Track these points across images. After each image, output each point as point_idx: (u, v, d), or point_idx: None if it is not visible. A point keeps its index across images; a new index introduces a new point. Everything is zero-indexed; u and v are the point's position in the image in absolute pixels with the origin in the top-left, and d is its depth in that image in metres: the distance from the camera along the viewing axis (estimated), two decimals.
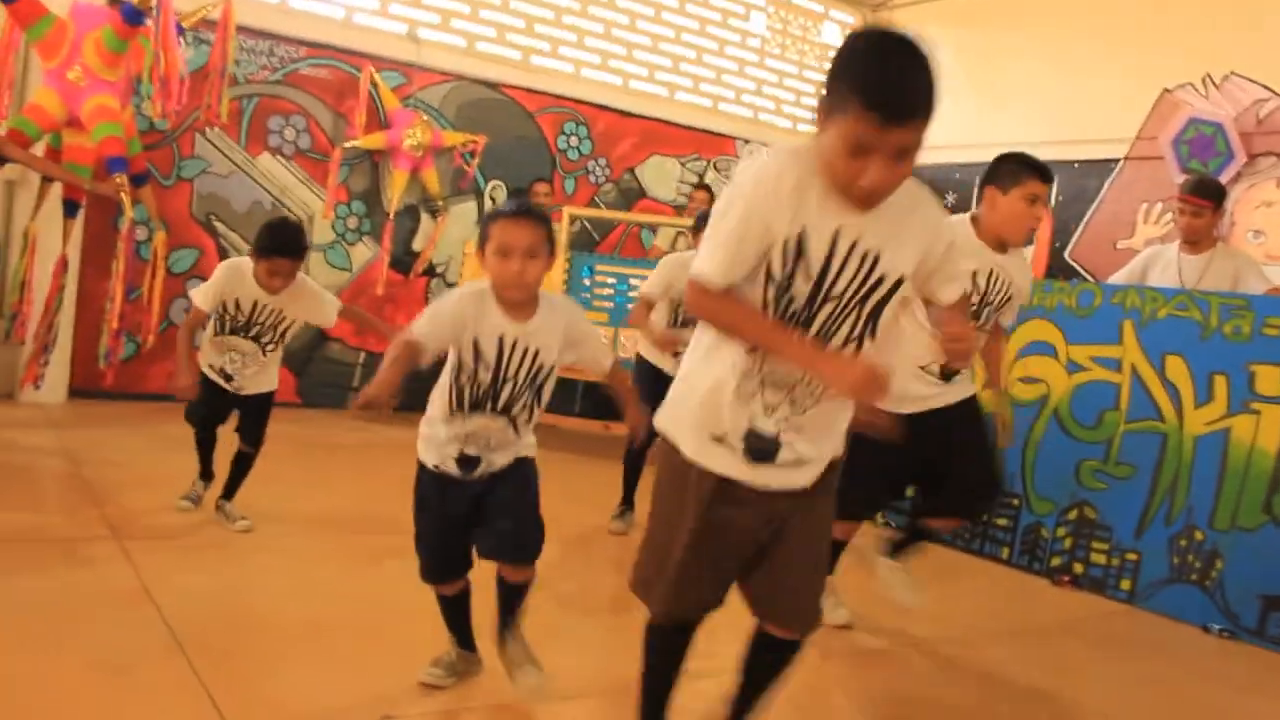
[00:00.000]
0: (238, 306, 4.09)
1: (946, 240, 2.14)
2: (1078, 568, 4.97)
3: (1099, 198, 7.96)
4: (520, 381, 2.66)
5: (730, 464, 2.11)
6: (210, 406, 4.29)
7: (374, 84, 7.41)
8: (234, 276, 4.06)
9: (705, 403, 2.10)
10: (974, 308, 3.53)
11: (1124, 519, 4.84)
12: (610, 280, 7.06)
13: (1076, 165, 8.13)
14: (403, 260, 7.76)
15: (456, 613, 2.91)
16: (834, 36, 10.04)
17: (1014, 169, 3.60)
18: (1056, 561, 5.04)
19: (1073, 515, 5.03)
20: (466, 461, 2.69)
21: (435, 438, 2.72)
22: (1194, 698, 3.68)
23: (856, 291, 2.00)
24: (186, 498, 4.43)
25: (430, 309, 2.64)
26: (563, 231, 7.34)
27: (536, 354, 2.66)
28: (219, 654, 2.97)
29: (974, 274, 3.50)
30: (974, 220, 3.65)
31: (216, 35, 6.34)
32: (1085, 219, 8.05)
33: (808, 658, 2.45)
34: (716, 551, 2.17)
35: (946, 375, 3.62)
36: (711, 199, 8.29)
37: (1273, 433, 4.43)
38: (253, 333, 4.16)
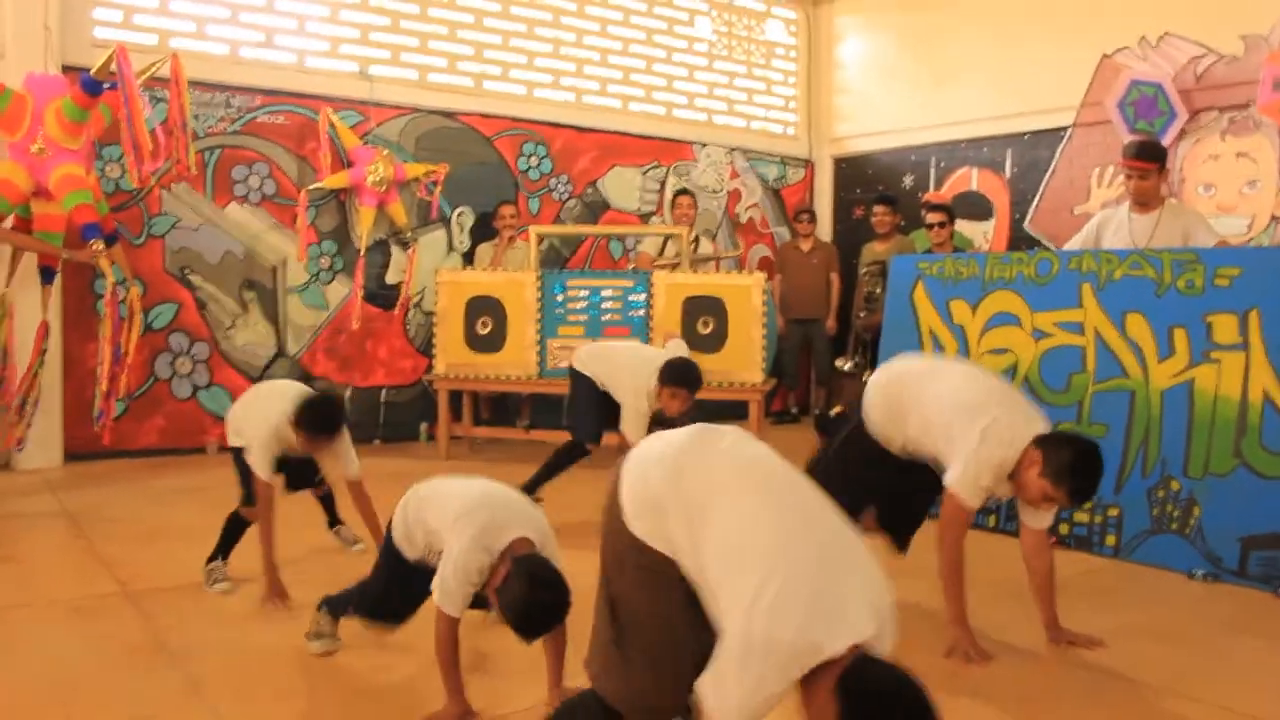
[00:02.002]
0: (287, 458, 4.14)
1: None
2: (1063, 528, 5.10)
3: (1052, 166, 8.13)
4: None
5: None
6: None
7: (332, 125, 7.51)
8: (277, 437, 4.04)
9: None
10: None
11: (1102, 477, 4.97)
12: (583, 294, 7.19)
13: (1027, 137, 8.32)
14: (377, 295, 7.87)
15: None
16: (778, 33, 10.21)
17: None
18: None
19: None
20: None
21: None
22: (1186, 640, 3.81)
23: None
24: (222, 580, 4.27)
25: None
26: (531, 251, 7.46)
27: None
28: (240, 697, 3.08)
29: None
30: None
31: (170, 91, 6.43)
32: (1041, 188, 8.22)
33: None
34: None
35: None
36: (694, 204, 8.46)
37: (1234, 379, 4.58)
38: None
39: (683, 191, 8.63)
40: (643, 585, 2.21)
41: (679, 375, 5.26)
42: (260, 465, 3.97)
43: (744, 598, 1.93)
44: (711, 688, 1.94)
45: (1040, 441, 3.43)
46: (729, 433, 2.29)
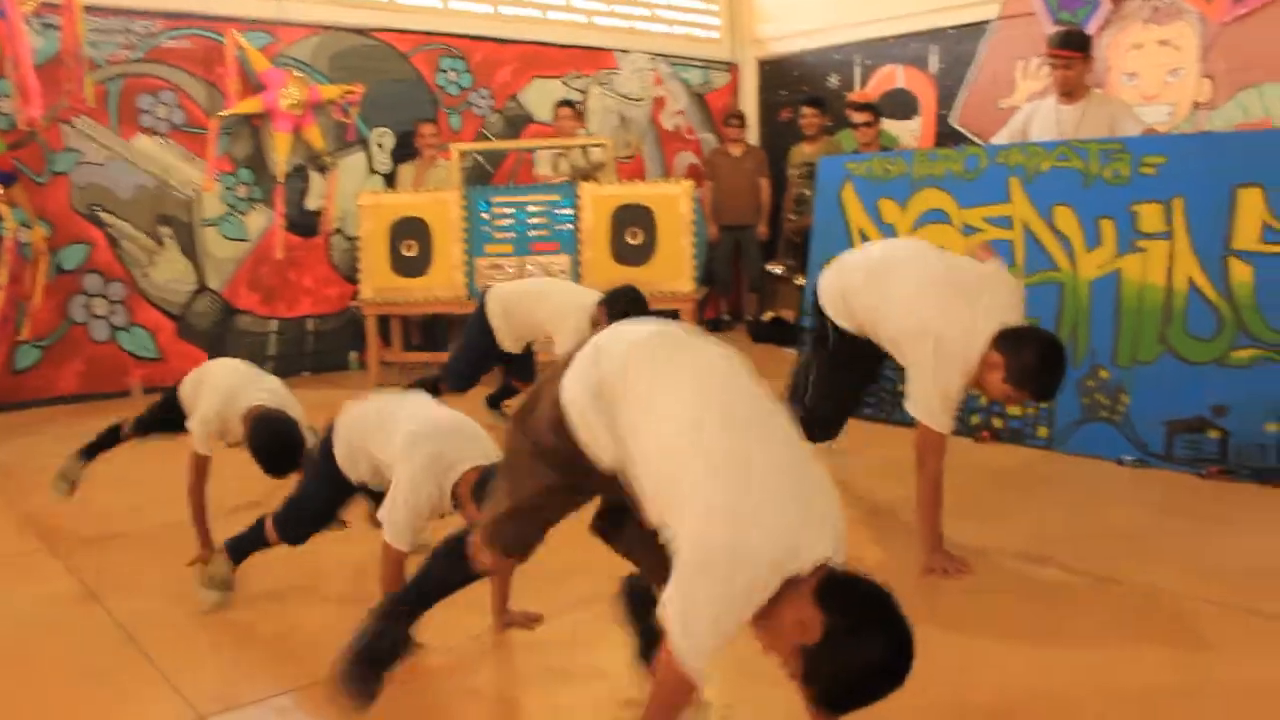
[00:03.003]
0: None
1: None
2: (996, 422, 5.16)
3: (977, 61, 8.07)
4: None
5: None
6: None
7: (240, 47, 7.21)
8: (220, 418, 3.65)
9: None
10: None
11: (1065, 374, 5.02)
12: (509, 211, 7.07)
13: (951, 31, 8.23)
14: (299, 223, 7.65)
15: None
16: None
17: None
18: (976, 420, 5.23)
19: None
20: None
21: None
22: (1116, 526, 3.89)
23: None
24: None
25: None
26: (454, 169, 7.28)
27: None
28: (178, 647, 3.02)
29: None
30: None
31: (63, 18, 6.10)
32: (966, 84, 8.17)
33: None
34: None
35: None
36: (577, 117, 8.27)
37: (1159, 268, 4.63)
38: None
39: (565, 103, 8.42)
40: (539, 455, 2.16)
41: (631, 304, 5.07)
42: (199, 440, 3.62)
43: (701, 502, 1.81)
44: (676, 608, 1.79)
45: (1000, 343, 3.27)
46: (690, 332, 2.16)
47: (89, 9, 6.38)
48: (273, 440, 3.37)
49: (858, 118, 7.47)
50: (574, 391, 2.07)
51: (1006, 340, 3.28)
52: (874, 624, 1.77)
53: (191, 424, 3.68)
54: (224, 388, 3.62)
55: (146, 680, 2.80)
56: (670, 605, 1.80)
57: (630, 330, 2.14)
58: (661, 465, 1.92)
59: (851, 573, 1.83)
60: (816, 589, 1.77)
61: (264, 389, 3.62)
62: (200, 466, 3.63)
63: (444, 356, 7.51)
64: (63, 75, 6.22)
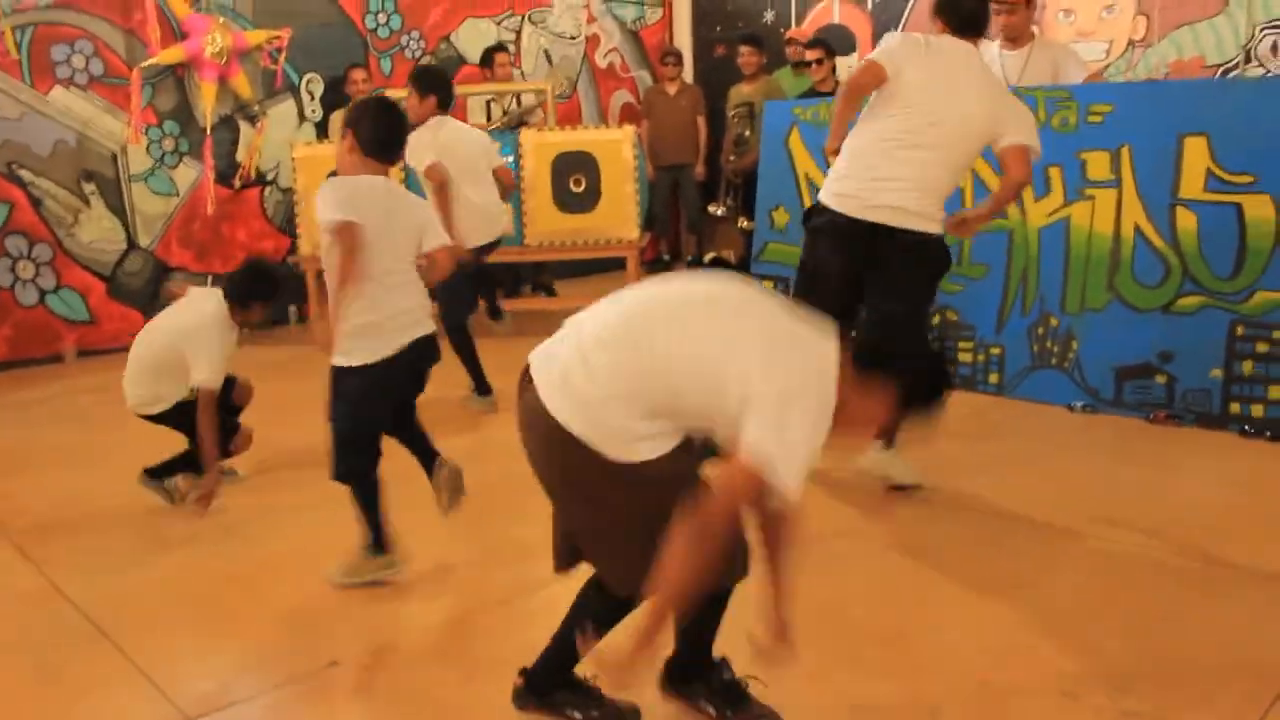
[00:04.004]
0: None
1: None
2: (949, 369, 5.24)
3: (912, 3, 8.04)
4: None
5: None
6: None
7: None
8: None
9: None
10: None
11: (984, 316, 5.10)
12: None
13: None
14: (228, 175, 7.42)
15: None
16: None
17: None
18: None
19: (936, 320, 5.27)
20: None
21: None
22: (1067, 471, 3.99)
23: None
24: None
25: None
26: None
27: None
28: (146, 633, 2.97)
29: None
30: None
31: None
32: (903, 19, 8.14)
33: None
34: None
35: None
36: (510, 61, 8.09)
37: (1107, 215, 4.70)
38: None
39: (499, 48, 8.19)
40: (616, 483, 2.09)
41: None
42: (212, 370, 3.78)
43: (749, 374, 1.98)
44: (771, 446, 1.93)
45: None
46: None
47: None
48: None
49: (810, 55, 7.36)
50: (562, 405, 2.06)
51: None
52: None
53: (204, 373, 3.74)
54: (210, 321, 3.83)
55: (124, 679, 2.73)
56: (762, 445, 1.94)
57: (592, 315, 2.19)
58: (698, 382, 2.04)
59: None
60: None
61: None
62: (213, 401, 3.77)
63: None
64: None
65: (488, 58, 8.06)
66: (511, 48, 8.54)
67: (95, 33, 6.78)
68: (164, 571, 3.44)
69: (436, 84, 5.01)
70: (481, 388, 5.14)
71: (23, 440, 4.97)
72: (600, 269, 8.08)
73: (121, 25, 6.87)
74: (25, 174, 6.58)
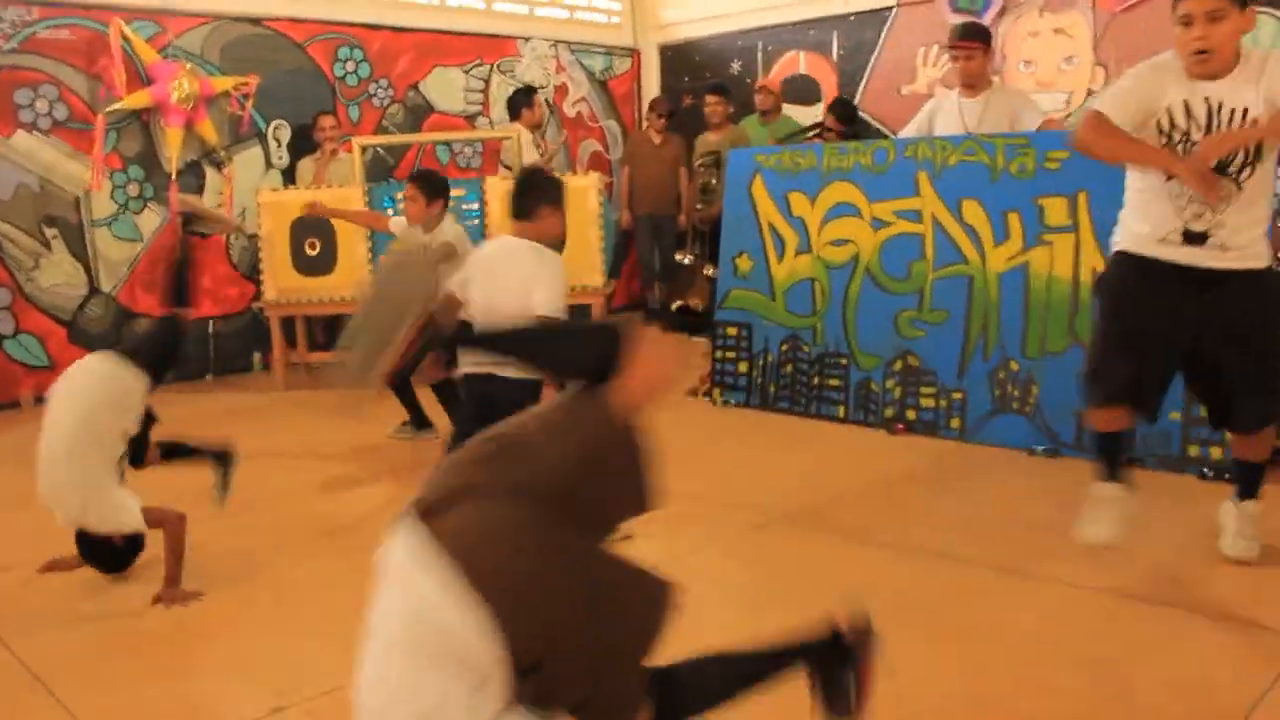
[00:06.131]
0: None
1: None
2: (910, 414, 5.24)
3: (878, 47, 8.14)
4: None
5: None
6: None
7: (125, 38, 6.90)
8: None
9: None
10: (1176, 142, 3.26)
11: (945, 362, 5.11)
12: None
13: (852, 18, 8.30)
14: (193, 220, 7.37)
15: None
16: None
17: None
18: (890, 412, 5.30)
19: (898, 366, 5.28)
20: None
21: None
22: (1026, 517, 3.97)
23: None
24: None
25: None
26: (355, 163, 7.10)
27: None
28: (85, 684, 2.89)
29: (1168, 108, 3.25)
30: None
31: None
32: (869, 69, 8.24)
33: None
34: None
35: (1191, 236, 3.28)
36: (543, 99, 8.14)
37: (1066, 260, 4.73)
38: None
39: (532, 89, 8.32)
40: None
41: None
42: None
43: None
44: None
45: None
46: None
47: None
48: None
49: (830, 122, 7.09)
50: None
51: None
52: None
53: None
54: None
55: None
56: None
57: None
58: None
59: None
60: None
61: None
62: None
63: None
64: None
65: (527, 98, 8.08)
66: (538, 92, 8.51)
67: (59, 77, 6.76)
68: (105, 622, 3.35)
69: (441, 189, 5.45)
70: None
71: None
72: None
73: (86, 70, 6.86)
74: None
